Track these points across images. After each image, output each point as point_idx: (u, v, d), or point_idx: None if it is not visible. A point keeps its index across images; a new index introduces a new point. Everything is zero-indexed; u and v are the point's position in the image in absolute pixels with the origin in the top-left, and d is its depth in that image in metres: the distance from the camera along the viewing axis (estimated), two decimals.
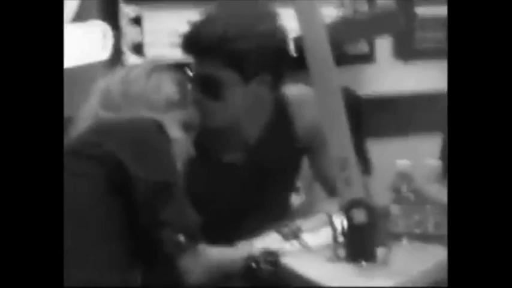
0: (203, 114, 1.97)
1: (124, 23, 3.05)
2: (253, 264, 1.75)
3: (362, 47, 3.27)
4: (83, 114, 1.89)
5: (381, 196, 1.94)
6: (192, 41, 1.96)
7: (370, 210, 1.66)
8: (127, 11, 3.06)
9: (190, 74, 1.98)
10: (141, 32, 3.08)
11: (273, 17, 1.97)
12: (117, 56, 2.98)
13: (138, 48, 3.07)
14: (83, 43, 2.83)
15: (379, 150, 3.18)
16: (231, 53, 1.91)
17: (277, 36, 1.96)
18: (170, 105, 1.88)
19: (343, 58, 2.92)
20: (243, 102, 1.99)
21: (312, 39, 1.63)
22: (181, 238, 1.75)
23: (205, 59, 1.95)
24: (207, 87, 1.96)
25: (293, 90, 2.11)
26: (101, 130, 1.81)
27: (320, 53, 1.63)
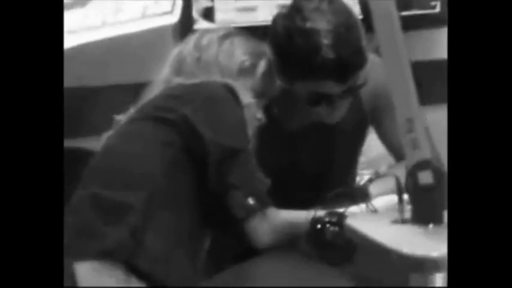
0: (274, 82, 1.97)
1: None
2: (318, 226, 1.76)
3: (434, 9, 3.21)
4: (156, 79, 1.92)
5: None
6: None
7: (438, 172, 1.64)
8: None
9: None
10: None
11: None
12: (187, 21, 3.00)
13: (208, 14, 3.08)
14: (153, 9, 2.86)
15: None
16: None
17: None
18: (242, 72, 1.89)
19: (413, 21, 2.88)
20: None
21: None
22: (251, 201, 1.77)
23: None
24: None
25: None
26: (174, 95, 1.83)
27: (386, 14, 1.61)
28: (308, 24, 1.88)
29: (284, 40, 1.90)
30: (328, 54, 1.87)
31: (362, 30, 1.93)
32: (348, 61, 1.89)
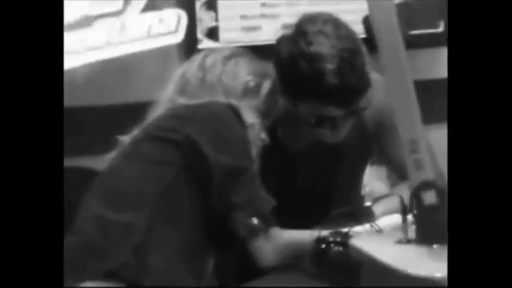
0: (278, 102, 1.97)
1: (199, 8, 3.07)
2: (323, 246, 1.76)
3: (436, 28, 3.22)
4: (160, 99, 1.92)
5: None
6: None
7: (441, 192, 1.64)
8: None
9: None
10: (216, 17, 3.10)
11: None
12: (192, 41, 3.01)
13: (212, 33, 3.09)
14: (158, 28, 2.88)
15: None
16: None
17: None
18: (246, 92, 1.89)
19: (416, 40, 2.89)
20: None
21: (381, 19, 1.62)
22: (255, 221, 1.77)
23: None
24: None
25: None
26: (178, 115, 1.84)
27: (389, 34, 1.62)
28: (312, 49, 1.88)
29: (288, 63, 1.90)
30: (333, 79, 1.87)
31: (366, 54, 1.93)
32: (351, 86, 1.89)
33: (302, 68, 1.88)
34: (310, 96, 1.91)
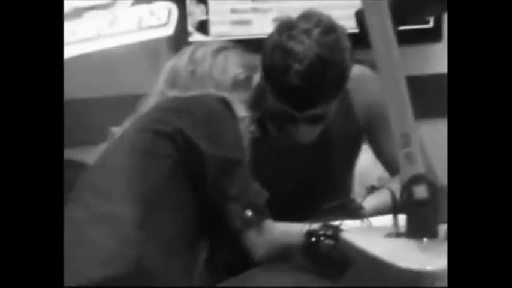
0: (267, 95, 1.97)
1: (189, 2, 3.08)
2: (313, 239, 1.76)
3: (428, 24, 3.23)
4: (151, 92, 1.92)
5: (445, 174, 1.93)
6: None
7: (432, 186, 1.64)
8: None
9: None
10: (206, 11, 3.10)
11: None
12: (182, 34, 3.01)
13: (202, 27, 3.09)
14: (149, 21, 2.87)
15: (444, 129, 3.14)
16: None
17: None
18: (236, 85, 1.90)
19: (407, 36, 2.89)
20: None
21: (374, 14, 1.62)
22: (249, 213, 1.77)
23: None
24: None
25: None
26: (171, 108, 1.84)
27: (382, 29, 1.62)
28: (290, 44, 1.87)
29: (268, 52, 1.90)
30: (294, 79, 1.86)
31: (342, 70, 1.91)
32: (308, 92, 1.88)
33: (275, 59, 1.87)
34: (272, 89, 1.91)
